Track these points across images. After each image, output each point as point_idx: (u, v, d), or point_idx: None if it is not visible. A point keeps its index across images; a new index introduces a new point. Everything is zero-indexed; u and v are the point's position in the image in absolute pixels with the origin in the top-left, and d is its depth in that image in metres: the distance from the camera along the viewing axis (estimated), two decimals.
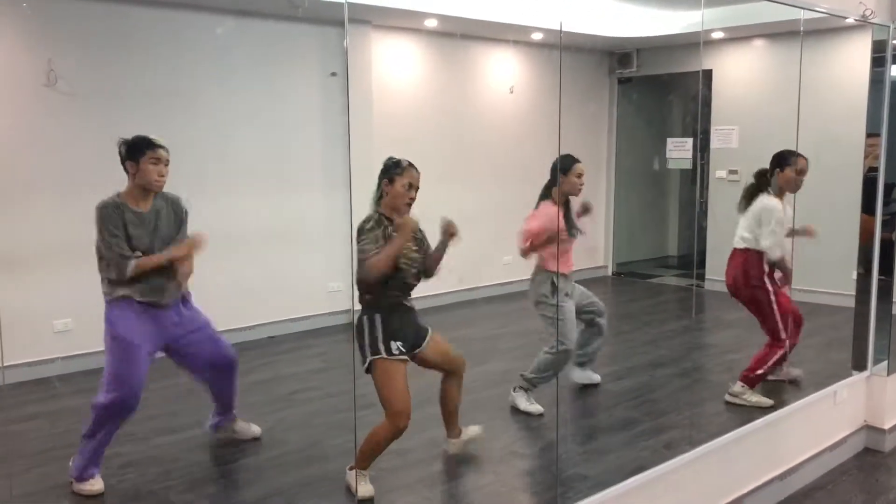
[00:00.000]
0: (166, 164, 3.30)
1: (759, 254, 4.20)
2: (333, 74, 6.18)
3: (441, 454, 3.68)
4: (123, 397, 3.21)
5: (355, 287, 3.20)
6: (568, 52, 7.67)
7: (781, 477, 3.92)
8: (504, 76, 7.40)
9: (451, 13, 6.14)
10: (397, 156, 3.32)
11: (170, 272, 3.32)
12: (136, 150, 3.26)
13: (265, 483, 3.38)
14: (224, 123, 5.60)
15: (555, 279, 4.12)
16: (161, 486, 3.35)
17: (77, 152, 4.98)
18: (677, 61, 7.87)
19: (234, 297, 5.05)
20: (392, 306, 3.22)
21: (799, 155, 4.23)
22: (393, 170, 3.22)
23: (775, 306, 4.21)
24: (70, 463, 3.37)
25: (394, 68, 6.61)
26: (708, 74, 7.61)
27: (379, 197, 3.25)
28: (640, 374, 4.94)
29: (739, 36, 7.34)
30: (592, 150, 8.37)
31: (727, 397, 4.26)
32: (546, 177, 4.24)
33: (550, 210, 4.07)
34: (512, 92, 7.38)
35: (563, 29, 3.52)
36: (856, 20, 4.26)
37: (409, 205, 3.23)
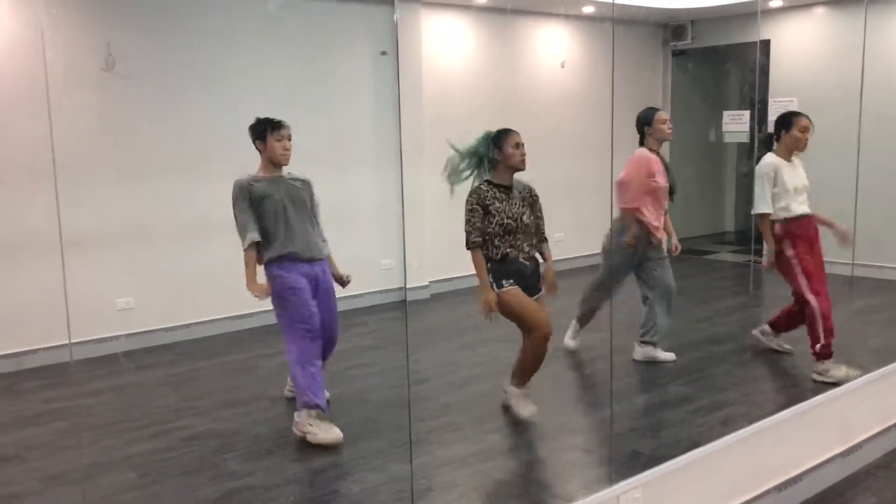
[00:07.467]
0: (289, 140, 3.72)
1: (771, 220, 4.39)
2: (383, 53, 6.19)
3: (493, 429, 3.70)
4: (312, 335, 3.62)
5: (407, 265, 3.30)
6: (620, 24, 7.53)
7: (844, 454, 3.83)
8: (555, 51, 7.31)
9: None
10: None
11: (312, 234, 3.75)
12: (264, 130, 3.69)
13: (322, 457, 3.44)
14: (275, 102, 5.66)
15: (623, 226, 4.36)
16: (222, 458, 3.44)
17: (135, 135, 5.11)
18: (734, 32, 7.66)
19: None
20: (502, 258, 3.61)
21: (801, 115, 4.29)
22: (500, 137, 3.64)
23: (797, 269, 4.23)
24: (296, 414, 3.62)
25: (444, 45, 6.58)
26: (766, 45, 7.39)
27: (491, 167, 3.65)
28: (696, 350, 4.87)
29: (799, 4, 7.10)
30: None
31: (814, 376, 4.25)
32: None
33: (643, 155, 4.34)
34: (563, 66, 7.29)
35: (615, 1, 3.47)
36: None
37: (523, 160, 3.65)
